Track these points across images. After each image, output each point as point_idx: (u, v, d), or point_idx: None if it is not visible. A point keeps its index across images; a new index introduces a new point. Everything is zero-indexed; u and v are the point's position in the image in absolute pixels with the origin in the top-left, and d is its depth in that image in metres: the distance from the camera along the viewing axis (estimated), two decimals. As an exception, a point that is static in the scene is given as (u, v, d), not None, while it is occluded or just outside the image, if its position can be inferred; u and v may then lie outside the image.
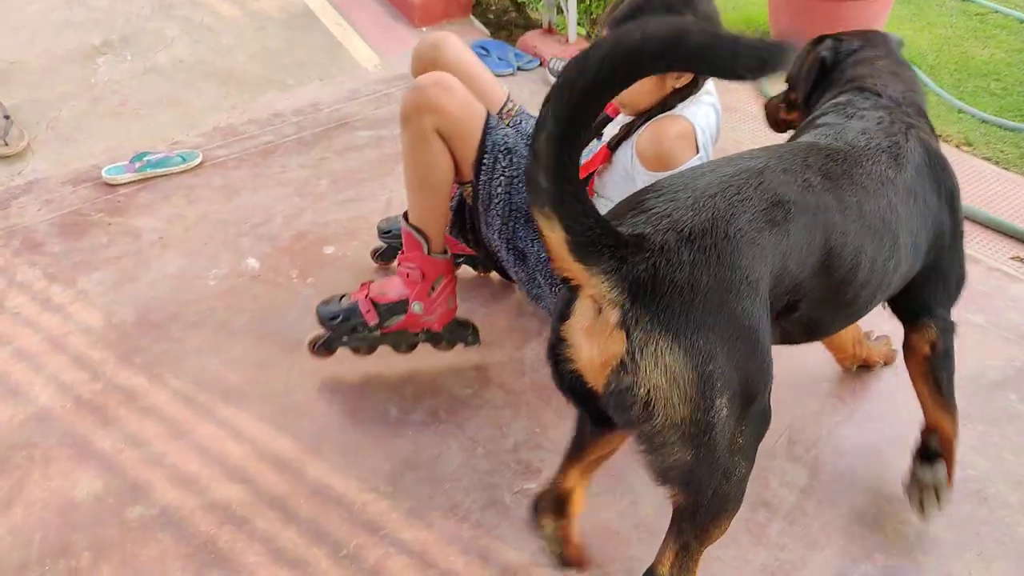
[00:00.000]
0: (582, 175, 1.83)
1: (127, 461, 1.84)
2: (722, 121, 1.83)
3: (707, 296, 1.09)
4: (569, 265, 1.07)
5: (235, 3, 3.68)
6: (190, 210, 2.63)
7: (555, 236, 1.05)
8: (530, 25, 3.65)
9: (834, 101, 1.57)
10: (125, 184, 2.76)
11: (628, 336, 1.07)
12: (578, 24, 3.39)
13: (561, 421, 1.87)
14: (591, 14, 3.38)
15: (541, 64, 3.35)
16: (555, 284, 1.87)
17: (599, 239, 1.05)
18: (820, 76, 1.68)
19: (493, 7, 3.87)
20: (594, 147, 1.90)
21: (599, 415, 1.22)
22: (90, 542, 1.68)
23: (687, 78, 1.70)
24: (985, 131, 3.02)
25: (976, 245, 2.42)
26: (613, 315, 1.08)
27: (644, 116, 1.74)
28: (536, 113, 1.03)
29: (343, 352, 2.00)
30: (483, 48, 3.39)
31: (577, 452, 1.45)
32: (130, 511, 1.74)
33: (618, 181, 1.80)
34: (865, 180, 1.34)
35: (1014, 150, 2.91)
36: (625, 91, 1.60)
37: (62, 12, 3.54)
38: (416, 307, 1.90)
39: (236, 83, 3.28)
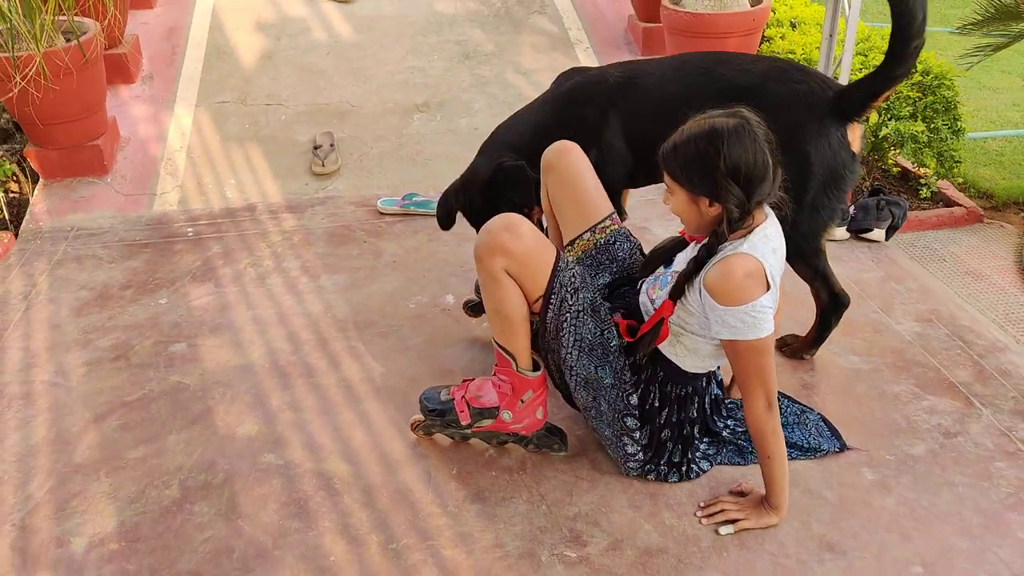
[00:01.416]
0: (651, 323, 1.89)
1: (282, 419, 2.26)
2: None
3: None
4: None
5: (537, 90, 4.15)
6: (427, 246, 3.10)
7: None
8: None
9: None
10: (391, 214, 3.31)
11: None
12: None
13: (630, 511, 1.94)
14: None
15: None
16: (618, 410, 1.95)
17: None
18: None
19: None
20: (660, 274, 1.96)
21: None
22: (228, 468, 2.09)
23: (718, 208, 1.74)
24: None
25: None
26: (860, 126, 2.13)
27: (694, 264, 1.79)
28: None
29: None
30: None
31: None
32: (265, 456, 2.13)
33: (696, 319, 1.84)
34: None
35: None
36: (672, 202, 1.77)
37: (405, 75, 4.30)
38: (505, 415, 2.02)
39: (511, 154, 3.74)
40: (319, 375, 2.42)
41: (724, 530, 1.88)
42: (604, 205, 2.18)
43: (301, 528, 1.92)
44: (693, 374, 1.95)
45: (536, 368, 2.00)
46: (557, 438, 2.11)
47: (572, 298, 1.90)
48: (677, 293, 1.84)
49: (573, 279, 1.91)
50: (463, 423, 2.05)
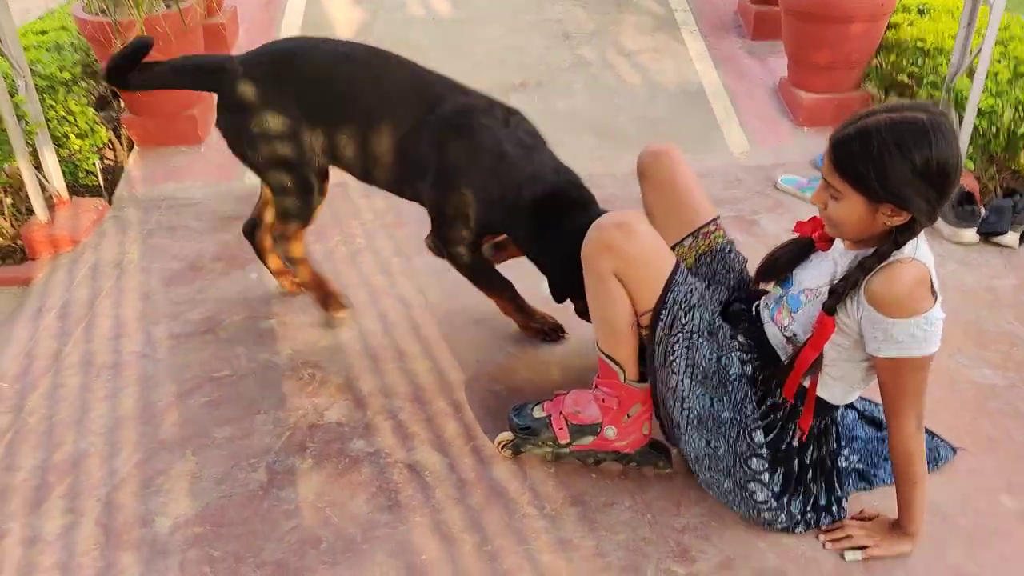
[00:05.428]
0: (819, 346, 1.61)
1: (373, 404, 2.16)
2: None
3: None
4: None
5: (639, 72, 4.00)
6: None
7: None
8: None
9: None
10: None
11: None
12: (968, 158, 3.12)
13: (743, 528, 1.78)
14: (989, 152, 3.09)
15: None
16: (739, 452, 1.72)
17: None
18: None
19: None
20: (780, 295, 1.74)
21: None
22: (317, 451, 2.01)
23: (903, 217, 1.50)
24: None
25: None
26: None
27: (860, 271, 1.54)
28: None
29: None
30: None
31: None
32: (355, 443, 2.04)
33: (849, 339, 1.61)
34: None
35: None
36: (837, 208, 1.48)
37: (503, 53, 4.17)
38: (609, 432, 1.86)
39: (610, 139, 3.59)
40: (410, 360, 2.32)
41: (850, 556, 1.70)
42: (708, 208, 1.98)
43: (391, 521, 1.82)
44: (836, 405, 1.73)
45: (644, 379, 1.84)
46: (663, 455, 1.93)
47: (686, 317, 1.70)
48: (832, 308, 1.57)
49: (690, 295, 1.71)
50: (561, 441, 1.90)
